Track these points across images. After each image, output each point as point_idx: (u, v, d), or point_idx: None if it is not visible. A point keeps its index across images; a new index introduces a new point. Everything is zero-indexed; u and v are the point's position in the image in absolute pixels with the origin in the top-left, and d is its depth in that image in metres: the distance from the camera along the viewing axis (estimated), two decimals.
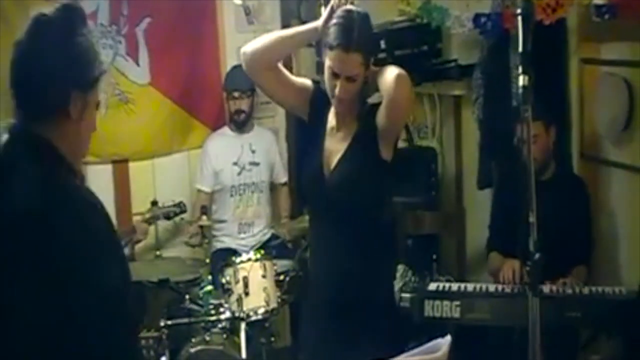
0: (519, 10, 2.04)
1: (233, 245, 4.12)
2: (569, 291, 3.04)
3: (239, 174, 4.20)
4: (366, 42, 2.40)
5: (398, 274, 3.69)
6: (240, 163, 4.20)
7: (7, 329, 1.53)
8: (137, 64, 4.33)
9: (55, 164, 1.62)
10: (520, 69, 2.00)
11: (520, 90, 2.02)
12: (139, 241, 3.75)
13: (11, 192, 1.57)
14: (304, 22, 5.39)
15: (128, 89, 4.28)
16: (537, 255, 2.01)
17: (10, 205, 1.55)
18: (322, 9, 4.98)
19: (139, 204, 4.14)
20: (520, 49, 2.01)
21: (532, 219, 2.01)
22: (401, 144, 4.42)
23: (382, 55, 4.00)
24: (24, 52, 1.62)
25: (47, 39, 1.61)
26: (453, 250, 4.41)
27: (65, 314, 1.52)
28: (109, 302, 1.58)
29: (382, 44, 4.08)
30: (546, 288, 2.99)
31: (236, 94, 4.18)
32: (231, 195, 4.19)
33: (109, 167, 4.23)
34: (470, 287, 3.17)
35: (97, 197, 1.65)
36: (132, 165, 4.32)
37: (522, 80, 2.00)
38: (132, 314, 1.76)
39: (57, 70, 1.61)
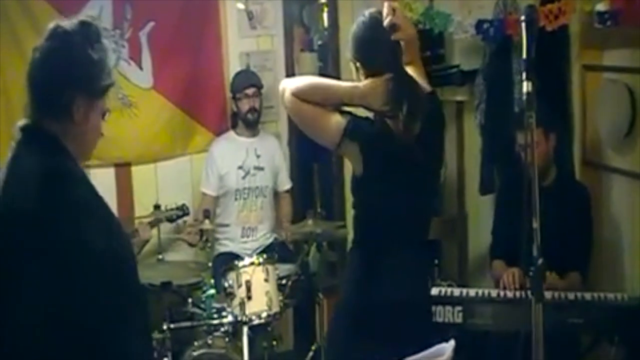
0: (522, 17, 2.05)
1: (235, 250, 4.13)
2: (571, 297, 3.05)
3: (244, 178, 4.20)
4: None
5: None
6: (245, 167, 4.21)
7: (15, 308, 1.64)
8: (140, 68, 4.34)
9: (62, 155, 1.76)
10: (524, 76, 2.01)
11: (524, 97, 2.02)
12: (145, 242, 3.75)
13: (21, 181, 1.72)
14: (306, 27, 5.45)
15: (131, 93, 4.29)
16: (540, 261, 2.02)
17: (19, 194, 1.70)
18: (325, 14, 5.03)
19: (142, 208, 4.14)
20: (524, 55, 2.02)
21: (535, 224, 2.02)
22: None
23: None
24: (37, 57, 1.79)
25: (60, 48, 1.78)
26: (455, 255, 4.42)
27: (74, 295, 1.64)
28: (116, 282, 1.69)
29: None
30: (548, 294, 2.99)
31: (250, 92, 4.19)
32: (235, 199, 4.19)
33: (111, 171, 4.23)
34: (472, 292, 3.18)
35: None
36: (134, 169, 4.32)
37: (525, 87, 2.01)
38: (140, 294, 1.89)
39: (63, 76, 1.77)
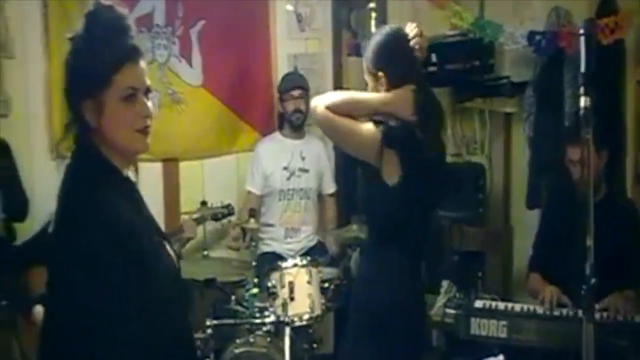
0: (581, 30, 2.03)
1: (279, 250, 4.15)
2: (620, 318, 3.00)
3: (288, 179, 4.23)
4: None
5: (442, 289, 3.68)
6: (290, 168, 4.23)
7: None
8: (190, 65, 4.40)
9: (98, 172, 1.68)
10: (581, 90, 1.99)
11: (581, 112, 2.00)
12: (189, 239, 3.79)
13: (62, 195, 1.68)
14: (353, 31, 5.45)
15: (180, 90, 4.35)
16: (593, 280, 2.00)
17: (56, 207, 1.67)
18: (372, 21, 5.04)
19: (187, 204, 4.19)
20: (582, 69, 2.00)
21: (589, 242, 2.00)
22: (449, 159, 4.45)
23: (432, 69, 4.00)
24: None
25: (65, 61, 1.70)
26: (498, 268, 4.37)
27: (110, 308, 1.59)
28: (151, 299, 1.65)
29: (433, 58, 4.07)
30: (597, 315, 2.95)
31: (295, 93, 4.21)
32: (279, 200, 4.22)
33: (159, 166, 4.29)
34: (517, 307, 3.14)
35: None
36: (181, 165, 4.38)
37: (583, 102, 1.99)
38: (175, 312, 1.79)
39: (68, 87, 1.68)
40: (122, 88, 1.66)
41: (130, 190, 1.75)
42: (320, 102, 2.45)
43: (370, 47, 2.48)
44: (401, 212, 2.44)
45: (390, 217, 2.45)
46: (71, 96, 1.68)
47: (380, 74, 2.44)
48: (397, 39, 2.46)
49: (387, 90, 2.44)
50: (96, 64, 1.64)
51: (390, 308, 2.43)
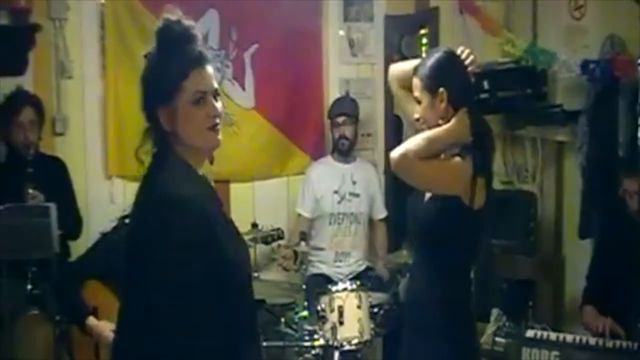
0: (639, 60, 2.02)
1: (328, 272, 4.17)
2: None
3: (339, 202, 4.25)
4: None
5: (492, 318, 3.64)
6: (341, 192, 4.26)
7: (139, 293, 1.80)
8: (243, 89, 4.47)
9: (179, 169, 1.82)
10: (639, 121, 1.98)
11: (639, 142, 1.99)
12: None
13: (137, 201, 1.86)
14: (404, 57, 5.47)
15: (233, 112, 4.41)
16: None
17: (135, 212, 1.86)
18: (424, 47, 5.04)
19: (237, 225, 4.21)
20: None
21: None
22: (500, 187, 4.43)
23: (484, 95, 3.99)
24: None
25: (142, 77, 1.87)
26: (549, 297, 4.31)
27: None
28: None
29: (485, 85, 4.06)
30: None
31: (340, 120, 4.25)
32: (330, 223, 4.24)
33: None
34: (569, 337, 3.11)
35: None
36: (232, 186, 4.43)
37: None
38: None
39: (145, 96, 1.85)
40: (192, 92, 1.80)
41: (208, 187, 1.94)
42: (407, 152, 2.32)
43: (427, 65, 2.41)
44: (481, 233, 2.47)
45: (471, 240, 2.46)
46: (147, 106, 1.83)
47: (442, 89, 2.38)
48: (457, 58, 2.45)
49: (446, 107, 2.39)
50: (167, 72, 1.80)
51: (443, 328, 2.41)
